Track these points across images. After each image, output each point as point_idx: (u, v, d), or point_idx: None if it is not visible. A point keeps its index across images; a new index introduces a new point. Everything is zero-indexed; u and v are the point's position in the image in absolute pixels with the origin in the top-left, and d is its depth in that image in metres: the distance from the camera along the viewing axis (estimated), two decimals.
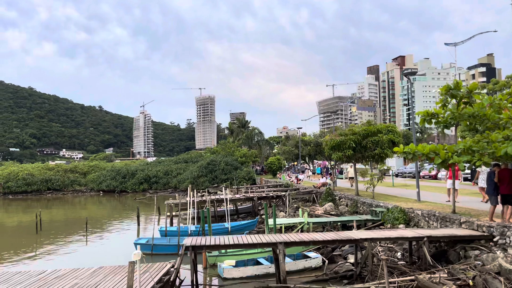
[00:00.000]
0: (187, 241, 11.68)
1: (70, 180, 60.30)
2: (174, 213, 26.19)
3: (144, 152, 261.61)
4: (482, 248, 11.54)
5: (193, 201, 23.33)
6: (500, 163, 12.53)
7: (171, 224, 24.17)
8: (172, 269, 12.13)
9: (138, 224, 25.44)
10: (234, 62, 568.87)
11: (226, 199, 23.85)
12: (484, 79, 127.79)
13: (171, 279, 11.57)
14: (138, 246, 13.74)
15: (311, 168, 60.41)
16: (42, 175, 59.50)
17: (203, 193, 35.95)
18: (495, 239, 11.63)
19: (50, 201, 48.62)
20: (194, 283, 11.41)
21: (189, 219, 22.05)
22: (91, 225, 25.47)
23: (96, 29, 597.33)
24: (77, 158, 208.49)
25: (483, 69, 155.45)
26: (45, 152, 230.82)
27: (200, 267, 13.84)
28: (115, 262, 13.41)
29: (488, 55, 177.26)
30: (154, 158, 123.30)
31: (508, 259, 10.48)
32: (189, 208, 22.54)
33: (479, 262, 10.79)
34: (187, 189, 31.80)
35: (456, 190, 17.64)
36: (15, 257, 18.46)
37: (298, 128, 57.53)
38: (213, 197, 28.59)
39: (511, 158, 11.35)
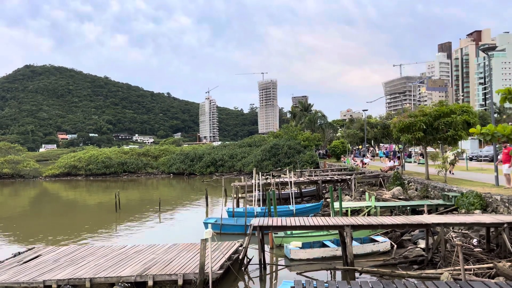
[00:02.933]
0: (255, 221, 12.02)
1: (143, 163, 64.05)
2: (240, 195, 26.93)
3: (210, 136, 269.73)
4: None
5: (258, 183, 23.79)
6: None
7: (238, 205, 24.89)
8: (240, 248, 12.61)
9: (207, 205, 26.52)
10: (295, 45, 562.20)
11: (291, 181, 23.99)
12: None
13: (240, 257, 12.03)
14: (209, 225, 14.42)
15: (371, 152, 58.40)
16: (119, 158, 63.80)
17: (267, 176, 36.47)
18: None
19: (126, 183, 52.17)
20: (262, 262, 11.75)
21: (254, 200, 22.56)
22: (164, 205, 27.02)
23: (163, 19, 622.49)
24: (148, 142, 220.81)
25: None
26: (120, 137, 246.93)
27: (266, 248, 14.18)
28: (186, 240, 14.20)
29: None
30: (219, 142, 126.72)
31: None
32: (255, 190, 23.04)
33: None
34: (251, 172, 32.43)
35: (508, 175, 16.35)
36: (98, 232, 20.21)
37: (364, 110, 55.79)
38: (277, 180, 28.90)
39: None
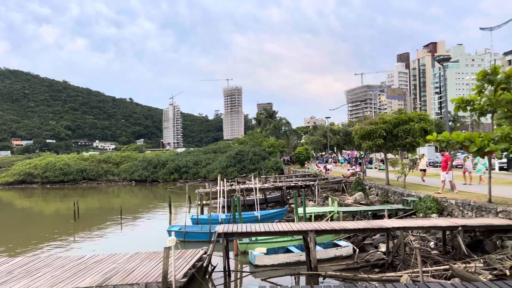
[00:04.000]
0: (219, 228, 11.92)
1: (103, 170, 62.17)
2: (204, 202, 26.66)
3: (174, 143, 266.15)
4: None
5: (223, 190, 23.66)
6: None
7: (202, 212, 24.63)
8: (204, 255, 12.46)
9: (170, 213, 26.05)
10: (260, 53, 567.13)
11: (256, 188, 24.05)
12: None
13: (204, 265, 11.88)
14: (172, 233, 14.16)
15: (334, 158, 59.77)
16: (78, 165, 61.60)
17: (232, 183, 36.34)
18: None
19: (86, 190, 50.40)
20: (226, 269, 11.65)
21: (219, 207, 22.41)
22: (125, 213, 26.29)
23: (125, 23, 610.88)
24: (109, 149, 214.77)
25: None
26: (79, 144, 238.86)
27: (231, 255, 14.09)
28: (149, 249, 13.86)
29: None
30: (184, 149, 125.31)
31: None
32: (219, 197, 22.89)
33: None
34: (216, 178, 32.21)
35: (448, 181, 17.47)
36: (55, 243, 19.35)
37: (327, 117, 57.05)
38: (242, 186, 28.86)
39: None
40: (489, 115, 14.92)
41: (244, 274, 12.74)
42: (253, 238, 15.01)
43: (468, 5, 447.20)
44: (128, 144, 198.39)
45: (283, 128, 76.29)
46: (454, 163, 22.76)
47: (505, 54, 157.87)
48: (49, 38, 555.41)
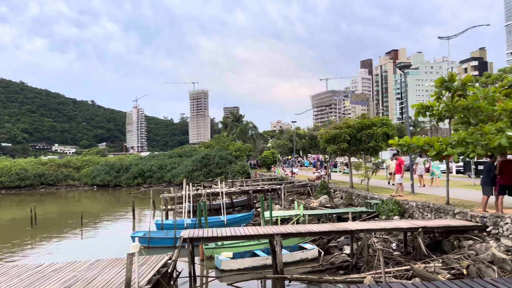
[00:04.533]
0: (185, 233, 11.75)
1: (63, 174, 59.95)
2: (169, 207, 26.21)
3: (138, 146, 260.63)
4: (476, 238, 11.74)
5: (188, 194, 23.35)
6: (494, 155, 12.68)
7: (167, 217, 24.20)
8: (169, 261, 12.21)
9: (134, 218, 25.43)
10: (226, 56, 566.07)
11: (222, 192, 23.89)
12: (477, 72, 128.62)
13: (169, 271, 11.65)
14: (136, 239, 13.80)
15: (300, 162, 60.61)
16: (35, 170, 59.05)
17: (198, 187, 35.98)
18: (488, 229, 11.82)
19: (44, 196, 48.36)
20: (192, 275, 11.48)
21: (184, 212, 22.07)
22: (86, 219, 25.41)
23: (87, 24, 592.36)
24: (69, 153, 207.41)
25: (475, 62, 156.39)
26: (37, 147, 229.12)
27: (197, 260, 13.92)
28: (112, 256, 13.43)
29: (480, 49, 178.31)
30: (148, 153, 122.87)
31: (501, 249, 10.68)
32: (185, 201, 22.57)
33: (473, 252, 10.97)
34: (181, 183, 31.76)
35: (400, 184, 18.30)
36: (11, 251, 18.40)
37: (292, 122, 57.71)
38: (208, 190, 28.62)
39: (504, 149, 11.52)
40: (447, 121, 15.57)
41: (210, 279, 12.60)
42: (219, 243, 14.89)
43: (427, 14, 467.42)
44: (89, 148, 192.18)
45: (249, 132, 76.50)
46: (414, 166, 23.61)
47: (461, 62, 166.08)
48: (5, 38, 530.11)
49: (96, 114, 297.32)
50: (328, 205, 21.92)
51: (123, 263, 11.38)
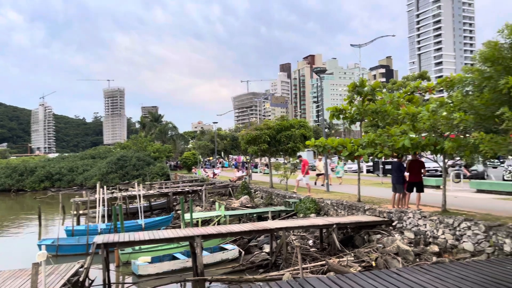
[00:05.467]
0: (98, 238, 11.06)
1: None
2: (81, 212, 24.51)
3: (45, 147, 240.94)
4: (383, 232, 12.70)
5: (102, 198, 22.06)
6: (400, 155, 13.84)
7: (78, 223, 22.62)
8: (81, 269, 11.40)
9: (40, 225, 23.35)
10: (144, 54, 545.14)
11: (139, 195, 22.95)
12: (384, 79, 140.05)
13: (81, 279, 10.88)
14: (43, 247, 12.66)
15: (221, 163, 60.92)
16: None
17: (113, 190, 34.22)
18: (394, 224, 12.86)
19: None
20: (106, 282, 10.84)
21: (98, 217, 20.80)
22: None
23: None
24: None
25: (383, 70, 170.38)
26: None
27: (112, 266, 13.20)
28: (15, 267, 12.15)
29: (387, 57, 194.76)
30: (57, 154, 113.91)
31: (405, 241, 11.67)
32: (99, 205, 21.29)
33: (380, 245, 11.84)
34: (95, 186, 29.90)
35: (307, 184, 19.81)
36: None
37: (214, 122, 57.61)
38: (124, 193, 27.35)
39: (407, 150, 12.62)
40: (358, 123, 16.65)
41: (126, 285, 12.02)
42: (137, 248, 14.28)
43: (340, 23, 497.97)
44: None
45: (169, 132, 74.78)
46: (329, 166, 24.90)
47: (371, 69, 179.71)
48: None
49: None
50: (249, 205, 22.20)
51: (28, 273, 10.37)
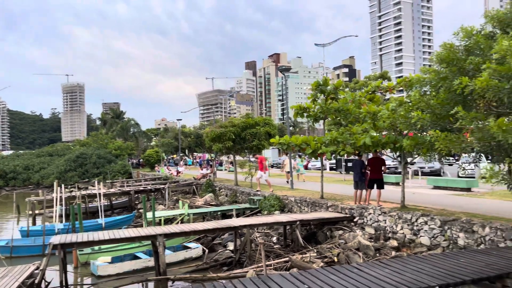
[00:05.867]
0: (55, 239, 10.62)
1: None
2: (37, 211, 23.47)
3: None
4: (345, 228, 12.97)
5: (60, 197, 21.24)
6: (360, 153, 14.18)
7: (34, 223, 21.66)
8: (37, 271, 10.92)
9: None
10: (105, 49, 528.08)
11: (100, 193, 22.27)
12: (347, 78, 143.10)
13: (36, 282, 10.42)
14: None
15: (184, 160, 60.27)
16: None
17: (72, 189, 33.05)
18: (355, 220, 13.16)
19: None
20: (64, 284, 10.43)
21: (56, 216, 20.01)
22: None
23: None
24: None
25: (346, 69, 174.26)
26: None
27: (70, 267, 12.74)
28: None
29: (350, 57, 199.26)
30: (11, 151, 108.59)
31: (366, 236, 11.97)
32: (56, 205, 20.48)
33: (342, 241, 12.09)
34: (52, 185, 28.76)
35: (266, 180, 20.22)
36: None
37: (178, 120, 56.78)
38: (84, 192, 26.46)
39: (368, 148, 12.94)
40: (321, 121, 16.90)
41: (85, 287, 11.64)
42: (96, 248, 13.84)
43: (304, 22, 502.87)
44: None
45: (131, 129, 73.12)
46: (294, 163, 25.23)
47: (335, 68, 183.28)
48: None
49: None
50: (213, 203, 22.05)
51: None
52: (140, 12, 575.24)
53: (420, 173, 23.03)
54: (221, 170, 42.69)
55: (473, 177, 20.39)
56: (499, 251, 7.85)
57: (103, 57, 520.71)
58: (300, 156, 32.71)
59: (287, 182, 23.35)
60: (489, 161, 10.75)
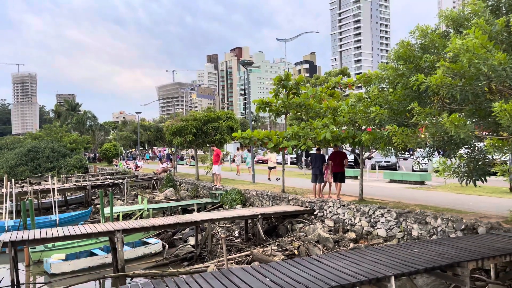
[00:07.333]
0: (5, 236, 10.06)
1: None
2: None
3: None
4: (305, 221, 13.18)
5: (10, 192, 20.15)
6: (321, 147, 14.42)
7: None
8: None
9: None
10: (58, 38, 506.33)
11: (53, 188, 21.34)
12: (308, 74, 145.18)
13: None
14: None
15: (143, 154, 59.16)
16: None
17: (23, 184, 31.49)
18: (315, 213, 13.40)
19: None
20: (15, 283, 9.92)
21: (5, 213, 18.97)
22: None
23: None
24: None
25: (307, 65, 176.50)
26: None
27: (22, 266, 12.14)
28: None
29: (311, 53, 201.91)
30: None
31: (325, 229, 12.21)
32: (5, 200, 19.41)
33: (303, 233, 12.27)
34: (1, 179, 27.24)
35: (219, 175, 20.47)
36: None
37: (137, 113, 55.48)
38: (36, 187, 25.26)
39: (328, 142, 13.18)
40: (283, 116, 17.03)
41: (37, 285, 11.13)
42: (50, 245, 13.27)
43: (265, 17, 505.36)
44: None
45: (88, 122, 70.62)
46: (256, 158, 25.42)
47: (296, 64, 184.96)
48: None
49: None
50: (173, 198, 21.73)
51: None
52: (96, 0, 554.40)
53: (377, 167, 23.79)
54: (182, 164, 42.15)
55: (427, 171, 21.33)
56: (450, 241, 8.24)
57: (56, 47, 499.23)
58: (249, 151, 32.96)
59: (269, 179, 22.12)
60: (441, 155, 11.24)
